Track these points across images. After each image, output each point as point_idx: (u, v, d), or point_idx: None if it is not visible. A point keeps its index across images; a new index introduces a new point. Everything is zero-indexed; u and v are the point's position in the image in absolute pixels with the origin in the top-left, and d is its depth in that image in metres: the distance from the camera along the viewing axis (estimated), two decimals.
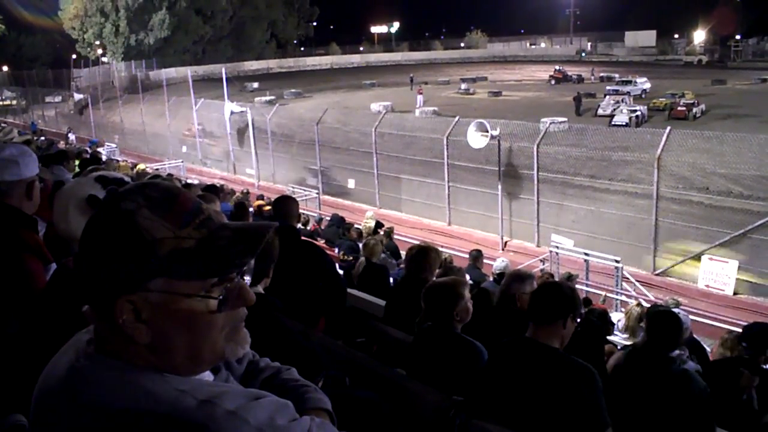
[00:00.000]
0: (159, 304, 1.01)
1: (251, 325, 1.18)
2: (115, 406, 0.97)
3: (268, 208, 11.86)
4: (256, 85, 56.18)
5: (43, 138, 24.04)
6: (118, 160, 18.25)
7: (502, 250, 15.49)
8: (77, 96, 47.28)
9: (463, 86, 50.07)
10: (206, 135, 28.17)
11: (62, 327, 1.82)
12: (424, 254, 4.62)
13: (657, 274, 13.33)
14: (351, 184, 20.34)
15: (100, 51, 65.92)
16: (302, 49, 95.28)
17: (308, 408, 1.35)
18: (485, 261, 10.61)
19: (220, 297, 1.05)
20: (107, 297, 1.00)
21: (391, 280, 7.73)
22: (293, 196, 6.86)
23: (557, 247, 13.46)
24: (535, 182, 15.19)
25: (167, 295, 1.01)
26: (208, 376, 1.17)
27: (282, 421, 1.04)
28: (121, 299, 0.99)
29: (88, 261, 1.02)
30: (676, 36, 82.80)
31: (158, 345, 1.03)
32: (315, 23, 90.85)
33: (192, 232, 1.03)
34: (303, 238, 4.74)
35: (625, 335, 7.92)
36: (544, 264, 13.65)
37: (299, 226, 9.13)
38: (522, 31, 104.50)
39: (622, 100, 33.86)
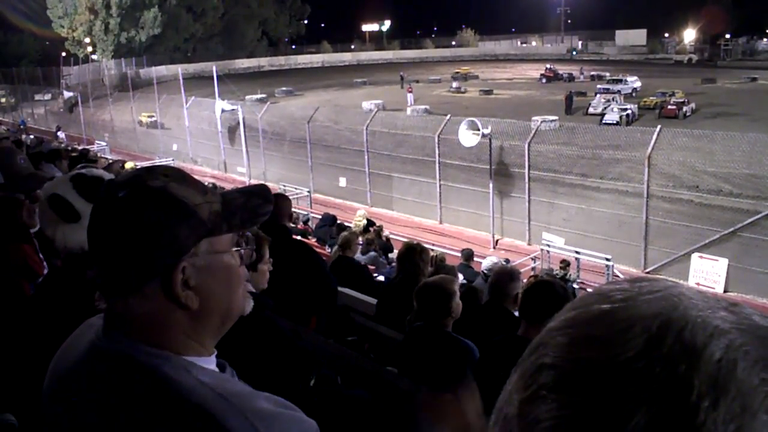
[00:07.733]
0: (204, 267, 1.07)
1: (244, 325, 1.18)
2: (136, 389, 0.98)
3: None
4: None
5: (32, 136, 23.87)
6: (108, 159, 18.13)
7: (494, 248, 15.52)
8: (67, 94, 46.96)
9: (455, 84, 50.01)
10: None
11: (54, 328, 1.81)
12: (414, 253, 4.63)
13: (648, 272, 13.39)
14: (342, 182, 20.32)
15: (89, 49, 65.52)
16: (293, 47, 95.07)
17: None
18: (476, 259, 10.63)
19: (243, 250, 1.15)
20: (157, 272, 1.02)
21: (382, 278, 7.74)
22: (284, 194, 6.72)
23: (548, 245, 13.51)
24: (527, 181, 15.22)
25: (211, 255, 1.08)
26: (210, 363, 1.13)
27: None
28: (176, 269, 1.03)
29: (129, 241, 1.02)
30: (667, 35, 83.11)
31: (203, 309, 1.06)
32: (306, 21, 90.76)
33: (212, 197, 1.10)
34: (294, 237, 4.73)
35: None
36: (535, 262, 13.70)
37: (290, 224, 8.97)
38: (513, 29, 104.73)
39: (613, 99, 33.92)
